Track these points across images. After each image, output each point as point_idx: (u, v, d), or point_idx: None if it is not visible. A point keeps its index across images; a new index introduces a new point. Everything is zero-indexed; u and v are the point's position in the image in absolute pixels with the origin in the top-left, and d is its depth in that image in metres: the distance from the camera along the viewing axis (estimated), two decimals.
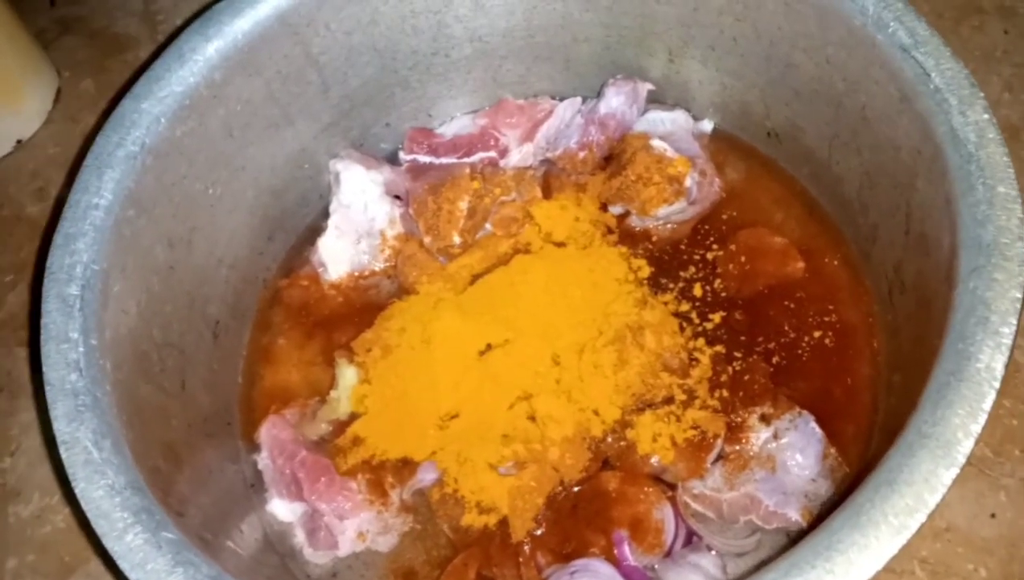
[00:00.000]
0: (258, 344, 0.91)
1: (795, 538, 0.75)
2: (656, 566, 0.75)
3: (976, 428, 0.53)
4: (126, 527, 0.59)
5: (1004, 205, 0.60)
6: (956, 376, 0.55)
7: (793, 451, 0.76)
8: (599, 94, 0.95)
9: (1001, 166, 0.62)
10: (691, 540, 0.76)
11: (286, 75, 0.85)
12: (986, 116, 0.64)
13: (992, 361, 0.55)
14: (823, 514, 0.74)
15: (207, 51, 0.79)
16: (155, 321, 0.76)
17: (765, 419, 0.77)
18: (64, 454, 0.62)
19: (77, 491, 0.61)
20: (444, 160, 0.96)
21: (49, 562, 0.87)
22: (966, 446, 0.52)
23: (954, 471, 0.52)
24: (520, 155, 0.95)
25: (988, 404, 0.53)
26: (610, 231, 0.91)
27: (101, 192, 0.72)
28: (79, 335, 0.66)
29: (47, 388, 0.64)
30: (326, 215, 0.93)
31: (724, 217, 0.90)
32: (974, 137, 0.64)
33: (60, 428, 0.63)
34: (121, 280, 0.72)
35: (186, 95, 0.78)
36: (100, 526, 0.59)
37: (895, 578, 0.76)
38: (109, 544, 0.59)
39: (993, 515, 0.77)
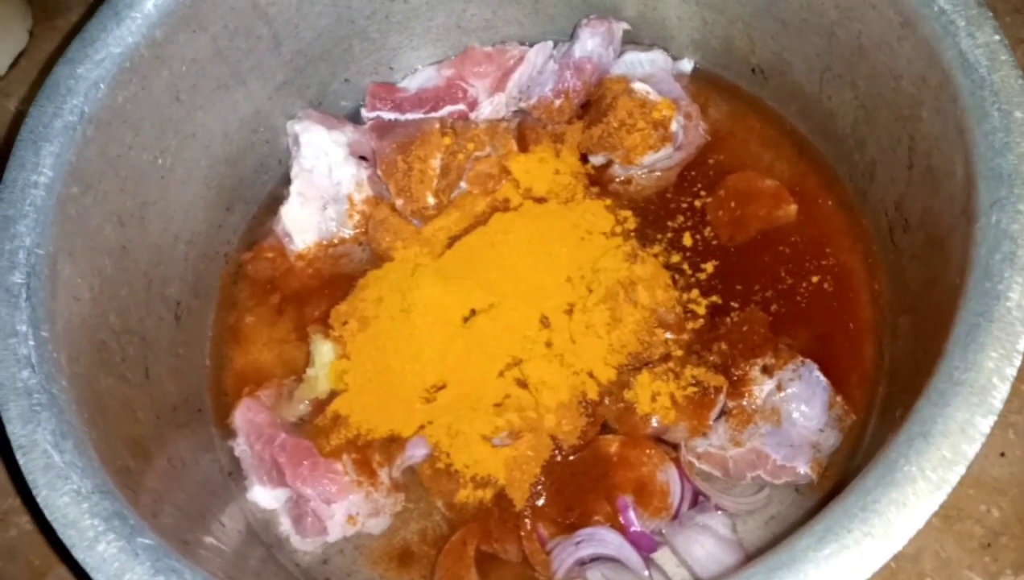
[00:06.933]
0: (224, 324, 0.86)
1: (804, 492, 0.73)
2: (664, 530, 0.72)
3: (1011, 371, 0.50)
4: (97, 535, 0.54)
5: (1023, 131, 0.56)
6: (986, 317, 0.52)
7: (798, 402, 0.73)
8: (572, 37, 0.89)
9: (1016, 90, 0.58)
10: (698, 501, 0.74)
11: (233, 30, 0.79)
12: (996, 37, 0.60)
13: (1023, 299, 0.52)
14: (831, 465, 0.72)
15: (145, 7, 0.72)
16: (111, 307, 0.71)
17: (767, 371, 0.74)
18: (22, 459, 0.57)
19: (39, 499, 0.56)
20: (410, 116, 0.90)
21: (18, 568, 0.82)
22: (1002, 391, 0.50)
23: (991, 419, 0.49)
24: (491, 107, 0.90)
25: (1023, 345, 0.50)
26: (592, 183, 0.86)
27: (40, 168, 0.66)
28: (28, 328, 0.61)
29: None
30: (287, 181, 0.87)
31: (711, 161, 0.86)
32: (985, 60, 0.60)
33: (15, 431, 0.58)
34: (70, 264, 0.66)
35: (125, 57, 0.71)
36: (68, 536, 0.54)
37: None
38: (80, 555, 0.54)
39: (1003, 454, 0.75)
